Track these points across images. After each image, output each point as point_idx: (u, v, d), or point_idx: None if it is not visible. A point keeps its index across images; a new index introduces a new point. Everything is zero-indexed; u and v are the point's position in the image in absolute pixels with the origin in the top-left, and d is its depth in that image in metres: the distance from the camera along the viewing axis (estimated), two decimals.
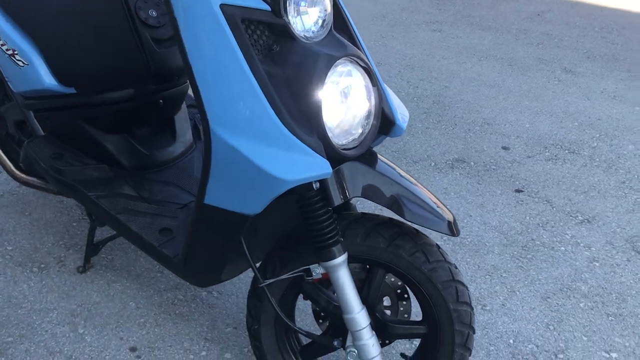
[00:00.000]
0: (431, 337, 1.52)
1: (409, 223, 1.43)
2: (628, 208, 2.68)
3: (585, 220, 2.59)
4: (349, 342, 1.48)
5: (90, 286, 2.09)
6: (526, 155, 3.10)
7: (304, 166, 1.23)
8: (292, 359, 1.61)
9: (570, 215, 2.62)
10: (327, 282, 1.59)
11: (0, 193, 2.54)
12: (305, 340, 1.68)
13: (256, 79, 1.23)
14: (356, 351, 1.47)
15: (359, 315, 1.43)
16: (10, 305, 1.99)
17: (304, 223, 1.40)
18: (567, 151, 3.16)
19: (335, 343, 1.51)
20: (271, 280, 1.46)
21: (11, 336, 1.87)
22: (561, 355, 1.91)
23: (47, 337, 1.87)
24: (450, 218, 1.44)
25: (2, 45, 1.76)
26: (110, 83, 1.71)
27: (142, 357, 1.83)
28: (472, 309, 1.49)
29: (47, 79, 1.73)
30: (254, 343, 1.60)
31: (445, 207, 1.48)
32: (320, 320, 1.63)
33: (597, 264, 2.33)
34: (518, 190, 2.80)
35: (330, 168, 1.25)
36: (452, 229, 1.43)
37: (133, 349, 1.85)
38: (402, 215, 1.39)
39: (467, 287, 1.49)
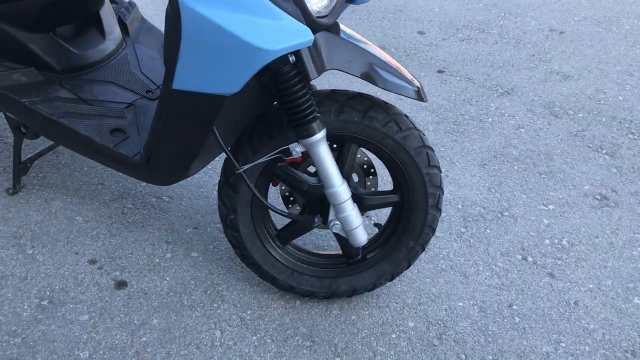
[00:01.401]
0: (404, 204, 1.57)
1: (377, 95, 1.43)
2: (540, 78, 2.85)
3: (506, 92, 2.73)
4: (331, 216, 1.49)
5: (26, 206, 1.93)
6: (441, 38, 3.16)
7: (286, 34, 1.17)
8: (270, 243, 1.61)
9: (492, 90, 2.75)
10: (296, 164, 1.58)
11: None
12: (280, 225, 1.68)
13: None
14: (339, 223, 1.49)
15: (341, 189, 1.44)
16: None
17: (279, 101, 1.35)
18: (477, 31, 3.27)
19: (316, 220, 1.52)
20: (249, 165, 1.42)
21: None
22: (506, 213, 2.05)
23: None
24: (418, 85, 1.46)
25: None
26: None
27: (104, 267, 1.75)
28: (440, 171, 1.54)
29: None
30: (231, 233, 1.58)
31: (411, 74, 1.49)
32: (290, 205, 1.63)
33: (522, 130, 2.48)
34: (440, 71, 2.87)
35: (312, 35, 1.20)
36: (421, 96, 1.44)
37: (92, 262, 1.76)
38: (376, 84, 1.39)
39: (434, 151, 1.53)
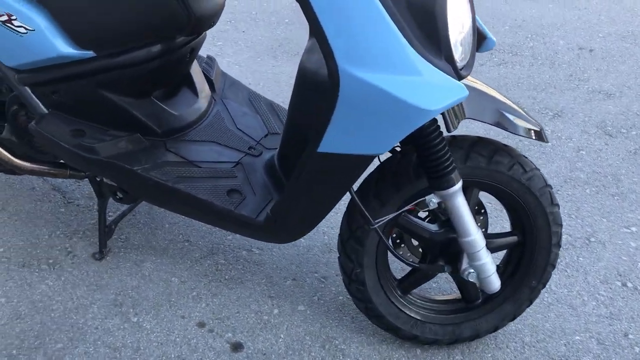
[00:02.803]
0: (526, 245, 1.56)
1: (495, 138, 1.44)
2: (585, 98, 2.90)
3: (556, 115, 2.76)
4: (464, 265, 1.48)
5: (118, 271, 1.88)
6: (479, 64, 3.20)
7: (444, 93, 1.17)
8: (393, 293, 1.59)
9: (542, 113, 2.78)
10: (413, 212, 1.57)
11: None
12: (401, 274, 1.66)
13: (384, 7, 1.13)
14: (474, 271, 1.48)
15: (477, 237, 1.43)
16: (38, 310, 1.75)
17: (418, 154, 1.35)
18: (510, 54, 3.31)
19: (445, 268, 1.51)
20: (384, 220, 1.41)
21: (59, 342, 1.65)
22: (593, 239, 2.06)
23: (101, 334, 1.68)
24: (540, 126, 1.47)
25: None
26: (137, 40, 1.49)
27: (214, 330, 1.71)
28: (559, 207, 1.54)
29: (61, 45, 1.46)
30: (356, 287, 1.55)
31: (527, 113, 1.50)
32: (400, 251, 1.61)
33: (583, 152, 2.51)
34: None
35: (467, 91, 1.20)
36: (543, 136, 1.46)
37: (201, 325, 1.72)
38: (507, 129, 1.39)
39: (552, 188, 1.54)
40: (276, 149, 1.72)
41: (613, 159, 2.46)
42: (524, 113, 1.46)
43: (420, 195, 1.46)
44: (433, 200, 1.40)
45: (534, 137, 1.43)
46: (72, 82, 1.54)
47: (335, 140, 1.24)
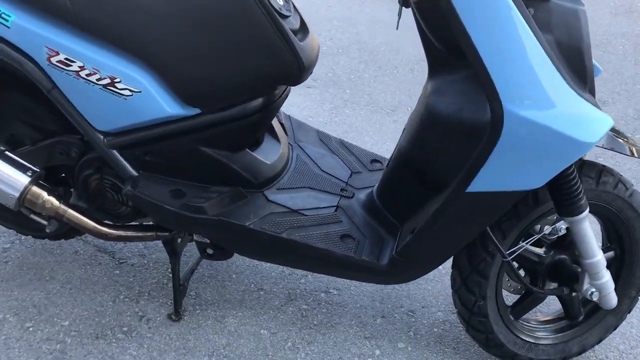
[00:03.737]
0: (624, 259, 1.63)
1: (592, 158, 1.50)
2: None
3: None
4: (586, 285, 1.52)
5: (202, 331, 1.80)
6: None
7: (597, 124, 1.22)
8: (509, 320, 1.61)
9: None
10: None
11: None
12: (510, 300, 1.69)
13: (542, 46, 1.16)
14: (596, 290, 1.52)
15: (601, 257, 1.48)
16: None
17: (550, 184, 1.38)
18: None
19: (565, 290, 1.55)
20: (518, 251, 1.43)
21: None
22: None
23: None
24: (635, 144, 1.54)
25: (90, 75, 1.36)
26: (244, 94, 1.44)
27: None
28: None
29: (168, 104, 1.39)
30: (477, 320, 1.56)
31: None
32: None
33: (601, 160, 2.64)
34: None
35: (612, 120, 1.24)
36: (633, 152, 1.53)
37: None
38: (619, 151, 1.45)
39: None
40: (365, 188, 1.71)
41: (631, 164, 2.61)
42: (619, 132, 1.53)
43: (536, 222, 1.49)
44: (562, 227, 1.44)
45: (636, 156, 1.50)
46: (171, 140, 1.47)
47: (489, 179, 1.25)
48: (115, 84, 1.36)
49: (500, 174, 1.24)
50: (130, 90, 1.37)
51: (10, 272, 1.96)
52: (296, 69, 1.41)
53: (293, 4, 1.48)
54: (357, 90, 3.20)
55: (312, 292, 1.95)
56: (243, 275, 2.01)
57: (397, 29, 1.43)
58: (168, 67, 1.37)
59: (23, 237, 2.09)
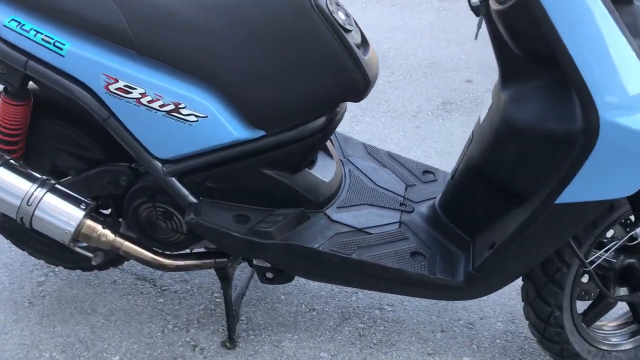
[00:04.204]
0: None
1: None
2: None
3: None
4: None
5: (259, 357, 1.73)
6: None
7: None
8: (583, 329, 1.57)
9: None
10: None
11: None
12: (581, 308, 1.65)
13: (634, 51, 1.13)
14: None
15: None
16: None
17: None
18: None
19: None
20: (600, 260, 1.40)
21: None
22: None
23: None
24: None
25: (152, 102, 1.29)
26: (310, 113, 1.39)
27: None
28: None
29: (235, 128, 1.33)
30: (553, 331, 1.52)
31: None
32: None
33: None
34: None
35: None
36: None
37: None
38: None
39: None
40: (423, 201, 1.66)
41: None
42: None
43: (609, 229, 1.46)
44: None
45: None
46: (233, 164, 1.41)
47: (581, 189, 1.21)
48: (180, 110, 1.30)
49: (593, 183, 1.20)
50: (196, 116, 1.31)
51: (50, 306, 1.88)
52: (362, 85, 1.36)
53: (353, 17, 1.43)
54: (373, 96, 3.16)
55: (366, 310, 1.89)
56: (292, 295, 1.95)
57: (475, 39, 1.39)
58: (235, 89, 1.31)
59: (56, 268, 2.01)
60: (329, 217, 1.52)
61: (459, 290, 1.45)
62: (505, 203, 1.39)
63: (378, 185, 1.68)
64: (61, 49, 1.31)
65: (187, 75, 1.30)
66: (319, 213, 1.52)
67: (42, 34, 1.32)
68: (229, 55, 1.29)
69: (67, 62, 1.31)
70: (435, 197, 1.66)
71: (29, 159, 1.62)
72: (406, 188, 1.71)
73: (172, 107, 1.30)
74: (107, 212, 1.71)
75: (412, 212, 1.62)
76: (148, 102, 1.31)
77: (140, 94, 1.30)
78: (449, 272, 1.46)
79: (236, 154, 1.39)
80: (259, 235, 1.40)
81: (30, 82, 1.49)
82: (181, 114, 1.31)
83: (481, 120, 1.46)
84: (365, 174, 1.71)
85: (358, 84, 1.36)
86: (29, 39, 1.33)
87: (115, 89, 1.31)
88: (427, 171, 1.80)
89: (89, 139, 1.58)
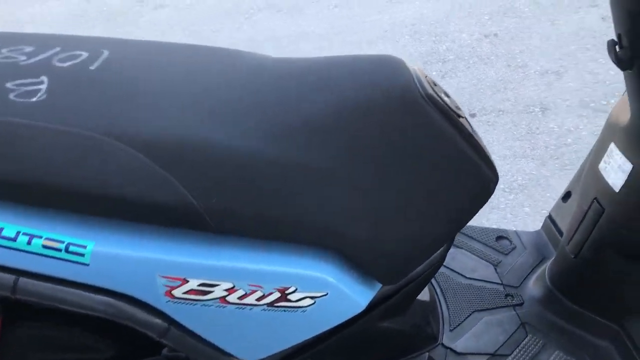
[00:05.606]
0: None
1: None
2: (545, 83, 2.96)
3: (544, 109, 2.77)
4: None
5: None
6: None
7: None
8: None
9: (528, 112, 2.76)
10: None
11: None
12: None
13: None
14: None
15: None
16: None
17: None
18: (441, 62, 3.24)
19: None
20: None
21: None
22: None
23: None
24: None
25: (246, 296, 0.84)
26: (444, 239, 1.02)
27: None
28: None
29: (362, 295, 0.92)
30: None
31: None
32: None
33: None
34: None
35: None
36: None
37: None
38: None
39: None
40: (523, 282, 1.38)
41: None
42: None
43: None
44: None
45: None
46: (344, 332, 1.01)
47: None
48: (288, 297, 0.87)
49: None
50: (312, 297, 0.88)
51: None
52: (494, 182, 1.02)
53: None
54: None
55: None
56: None
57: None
58: (362, 243, 0.90)
59: None
60: (453, 350, 1.18)
61: None
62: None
63: (468, 278, 1.36)
64: (82, 254, 0.81)
65: (292, 246, 0.87)
66: (440, 348, 1.18)
67: (41, 237, 0.80)
68: (345, 198, 0.88)
69: (93, 271, 0.82)
70: (530, 273, 1.39)
71: None
72: (495, 270, 1.41)
73: (276, 295, 0.87)
74: None
75: (524, 303, 1.33)
76: (239, 298, 0.85)
77: (227, 289, 0.85)
78: None
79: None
80: None
81: None
82: (290, 301, 0.88)
83: (616, 188, 1.19)
84: (446, 267, 1.38)
85: (490, 183, 1.01)
86: (18, 249, 0.81)
87: (185, 293, 0.84)
88: (501, 237, 1.51)
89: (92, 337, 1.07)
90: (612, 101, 2.67)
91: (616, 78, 2.81)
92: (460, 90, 2.89)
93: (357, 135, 0.88)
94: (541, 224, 1.53)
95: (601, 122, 2.69)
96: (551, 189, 2.28)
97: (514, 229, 1.54)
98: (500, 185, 2.25)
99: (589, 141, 2.46)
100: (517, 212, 2.20)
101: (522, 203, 2.23)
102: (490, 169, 0.98)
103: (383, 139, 0.90)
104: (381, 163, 0.89)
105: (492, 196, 1.00)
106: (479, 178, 0.97)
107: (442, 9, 3.54)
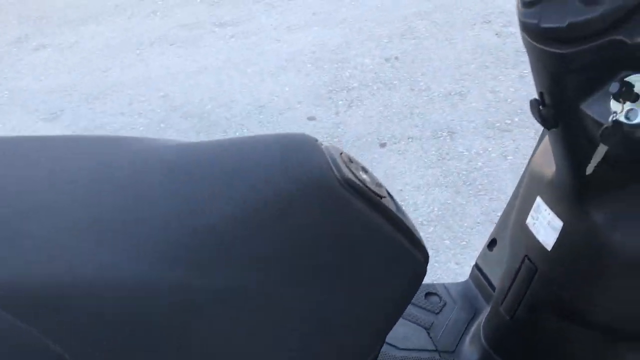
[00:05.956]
0: None
1: None
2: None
3: (508, 127, 2.76)
4: None
5: None
6: None
7: None
8: None
9: (495, 127, 2.74)
10: None
11: None
12: None
13: None
14: None
15: None
16: None
17: None
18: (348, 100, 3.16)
19: None
20: None
21: None
22: None
23: None
24: None
25: None
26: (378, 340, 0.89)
27: None
28: None
29: None
30: None
31: None
32: None
33: None
34: None
35: None
36: None
37: None
38: None
39: None
40: (457, 347, 1.30)
41: None
42: None
43: None
44: None
45: None
46: None
47: None
48: None
49: None
50: None
51: None
52: (424, 262, 0.92)
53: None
54: None
55: None
56: None
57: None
58: None
59: None
60: None
61: None
62: (617, 346, 1.09)
63: (402, 349, 1.26)
64: None
65: None
66: None
67: None
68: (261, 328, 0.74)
69: None
70: (464, 332, 1.31)
71: None
72: (428, 334, 1.32)
73: None
74: None
75: None
76: None
77: None
78: None
79: None
80: None
81: None
82: None
83: (548, 247, 1.12)
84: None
85: (420, 265, 0.91)
86: None
87: None
88: (429, 293, 1.42)
89: None
90: (516, 119, 2.70)
91: (516, 95, 2.84)
92: (368, 119, 2.82)
93: (267, 243, 0.75)
94: (468, 269, 1.46)
95: (508, 143, 2.71)
96: (468, 217, 2.25)
97: (442, 282, 1.46)
98: (418, 219, 2.18)
99: (499, 163, 2.46)
100: (438, 246, 2.14)
101: (442, 236, 2.18)
102: (420, 251, 0.88)
103: (297, 243, 0.77)
104: (297, 274, 0.76)
105: None
106: (409, 264, 0.86)
107: (341, 34, 3.48)
